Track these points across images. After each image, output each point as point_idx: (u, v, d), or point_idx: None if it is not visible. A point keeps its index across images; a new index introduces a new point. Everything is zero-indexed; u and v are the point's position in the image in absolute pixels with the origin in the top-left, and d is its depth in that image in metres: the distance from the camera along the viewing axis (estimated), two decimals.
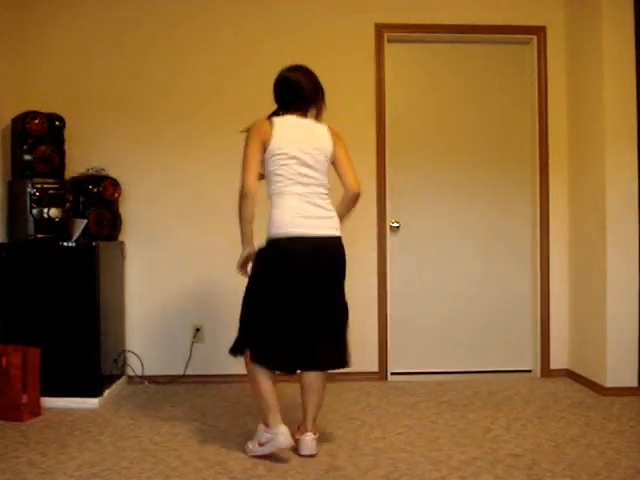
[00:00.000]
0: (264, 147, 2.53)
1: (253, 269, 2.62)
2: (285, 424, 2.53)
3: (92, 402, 3.33)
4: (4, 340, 3.30)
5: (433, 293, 4.10)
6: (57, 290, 3.37)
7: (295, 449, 2.61)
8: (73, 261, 3.38)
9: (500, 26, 4.01)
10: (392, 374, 4.00)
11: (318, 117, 2.69)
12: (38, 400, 3.17)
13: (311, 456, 2.57)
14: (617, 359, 3.53)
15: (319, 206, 2.57)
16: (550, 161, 4.03)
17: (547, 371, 4.04)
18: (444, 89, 4.11)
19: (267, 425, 2.53)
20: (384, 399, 3.53)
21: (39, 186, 3.37)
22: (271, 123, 2.56)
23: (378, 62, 3.98)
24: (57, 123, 3.50)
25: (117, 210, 3.75)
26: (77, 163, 3.70)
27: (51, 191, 3.40)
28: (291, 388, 3.10)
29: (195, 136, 3.94)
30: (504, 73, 4.13)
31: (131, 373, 3.88)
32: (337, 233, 2.61)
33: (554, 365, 4.04)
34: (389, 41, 4.01)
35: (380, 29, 3.98)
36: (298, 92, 2.62)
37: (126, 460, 2.55)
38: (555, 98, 4.03)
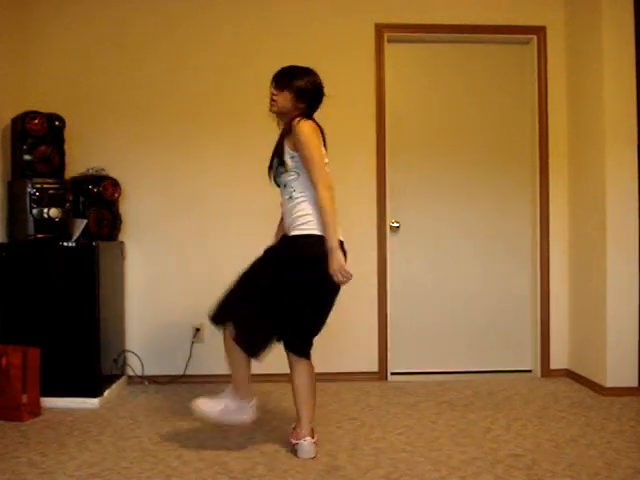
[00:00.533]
0: None
1: (321, 269, 2.47)
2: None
3: (92, 402, 3.33)
4: (4, 340, 3.29)
5: (433, 293, 4.10)
6: (57, 290, 3.37)
7: (294, 451, 2.61)
8: (73, 261, 3.38)
9: (500, 26, 4.01)
10: (392, 374, 4.00)
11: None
12: (38, 400, 3.17)
13: (310, 458, 2.58)
14: (617, 359, 3.53)
15: None
16: (550, 161, 4.03)
17: (547, 371, 4.04)
18: (444, 89, 4.11)
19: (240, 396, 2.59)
20: (384, 399, 3.53)
21: (39, 186, 3.37)
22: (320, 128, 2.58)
23: (378, 62, 3.98)
24: (57, 123, 3.50)
25: (117, 210, 3.75)
26: (77, 163, 3.70)
27: (51, 191, 3.39)
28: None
29: (195, 136, 3.94)
30: (504, 73, 4.13)
31: (131, 373, 3.88)
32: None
33: (554, 365, 4.04)
34: (389, 41, 4.01)
35: (380, 29, 3.98)
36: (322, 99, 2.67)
37: (126, 460, 2.55)
38: (555, 98, 4.03)
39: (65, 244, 3.40)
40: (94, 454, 2.61)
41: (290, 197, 2.57)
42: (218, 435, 2.88)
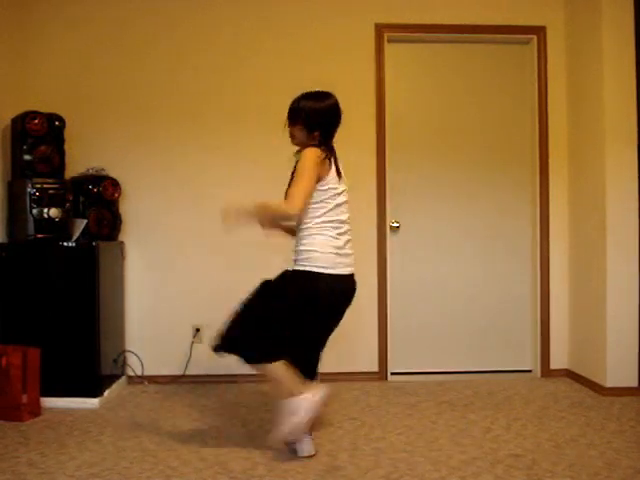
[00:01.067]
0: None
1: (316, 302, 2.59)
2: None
3: (92, 402, 3.33)
4: (4, 340, 3.29)
5: (433, 293, 4.10)
6: (57, 290, 3.37)
7: (294, 451, 2.61)
8: (73, 261, 3.38)
9: (500, 26, 4.01)
10: (392, 374, 4.00)
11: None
12: (38, 400, 3.17)
13: (311, 456, 2.58)
14: (617, 359, 3.53)
15: None
16: (550, 161, 4.03)
17: (547, 371, 4.04)
18: (444, 89, 4.11)
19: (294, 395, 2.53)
20: (384, 399, 3.53)
21: (39, 186, 3.37)
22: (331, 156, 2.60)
23: (378, 62, 3.97)
24: (57, 123, 3.50)
25: (117, 210, 3.75)
26: (77, 163, 3.70)
27: (51, 191, 3.39)
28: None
29: (195, 136, 3.94)
30: (504, 73, 4.13)
31: (131, 373, 3.88)
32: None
33: (554, 365, 4.04)
34: (389, 41, 4.00)
35: (380, 29, 3.98)
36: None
37: (126, 460, 2.55)
38: (555, 98, 4.03)
39: (65, 244, 3.40)
40: (94, 454, 2.61)
41: (299, 227, 2.61)
42: (218, 435, 2.88)
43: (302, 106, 2.61)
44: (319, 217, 2.56)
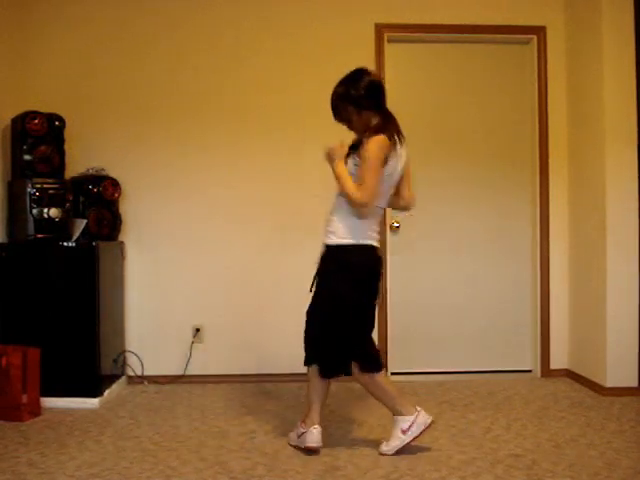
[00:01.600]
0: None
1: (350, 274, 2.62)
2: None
3: (92, 402, 3.33)
4: (4, 340, 3.29)
5: (433, 293, 4.10)
6: (57, 290, 3.37)
7: (301, 443, 2.64)
8: (73, 261, 3.38)
9: (500, 26, 4.01)
10: (392, 374, 4.00)
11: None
12: (38, 400, 3.17)
13: (315, 451, 2.59)
14: (617, 359, 3.53)
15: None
16: (550, 161, 4.03)
17: (547, 371, 4.04)
18: (444, 89, 4.11)
19: (403, 412, 2.62)
20: None
21: (39, 186, 3.37)
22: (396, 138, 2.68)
23: (378, 62, 3.97)
24: (57, 123, 3.50)
25: (117, 210, 3.75)
26: (77, 163, 3.70)
27: (51, 191, 3.39)
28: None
29: (195, 136, 3.94)
30: (504, 73, 4.12)
31: (131, 373, 3.88)
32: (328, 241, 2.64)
33: (554, 365, 4.04)
34: (389, 41, 4.00)
35: (380, 29, 3.98)
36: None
37: (126, 460, 2.55)
38: (555, 98, 4.03)
39: (65, 244, 3.40)
40: (94, 454, 2.61)
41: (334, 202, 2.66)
42: (218, 435, 2.88)
43: (339, 91, 2.64)
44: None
